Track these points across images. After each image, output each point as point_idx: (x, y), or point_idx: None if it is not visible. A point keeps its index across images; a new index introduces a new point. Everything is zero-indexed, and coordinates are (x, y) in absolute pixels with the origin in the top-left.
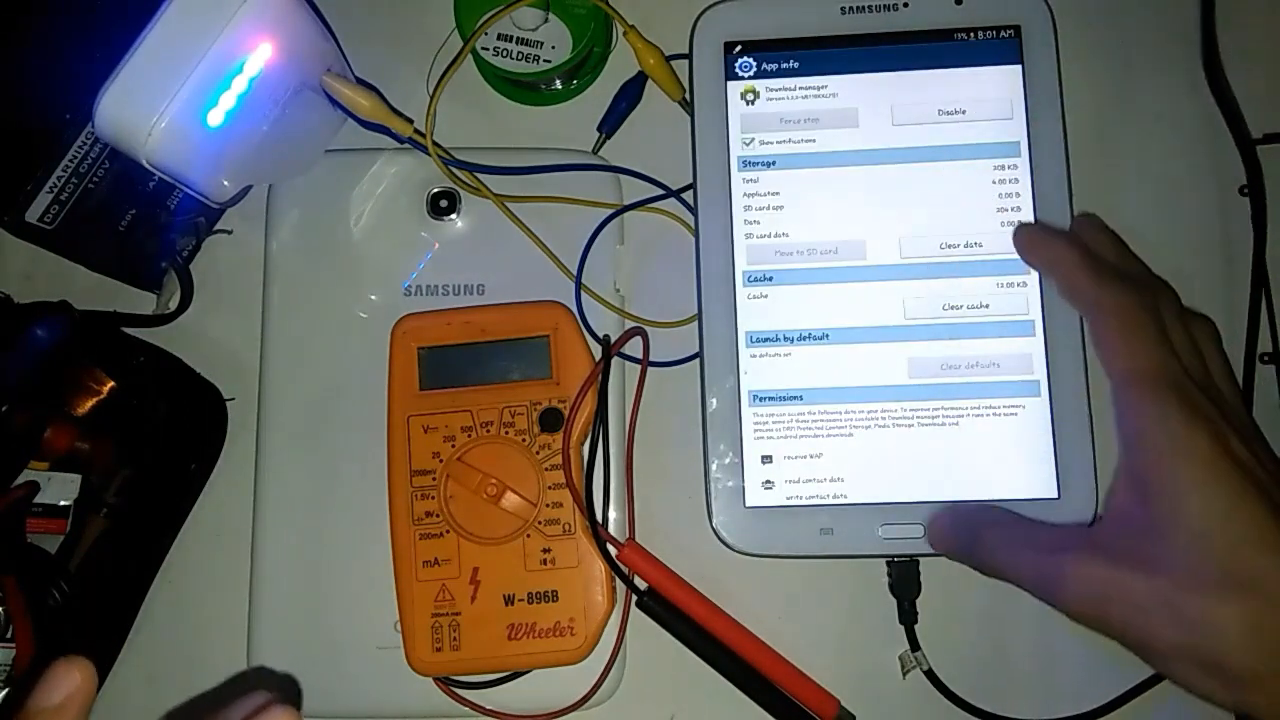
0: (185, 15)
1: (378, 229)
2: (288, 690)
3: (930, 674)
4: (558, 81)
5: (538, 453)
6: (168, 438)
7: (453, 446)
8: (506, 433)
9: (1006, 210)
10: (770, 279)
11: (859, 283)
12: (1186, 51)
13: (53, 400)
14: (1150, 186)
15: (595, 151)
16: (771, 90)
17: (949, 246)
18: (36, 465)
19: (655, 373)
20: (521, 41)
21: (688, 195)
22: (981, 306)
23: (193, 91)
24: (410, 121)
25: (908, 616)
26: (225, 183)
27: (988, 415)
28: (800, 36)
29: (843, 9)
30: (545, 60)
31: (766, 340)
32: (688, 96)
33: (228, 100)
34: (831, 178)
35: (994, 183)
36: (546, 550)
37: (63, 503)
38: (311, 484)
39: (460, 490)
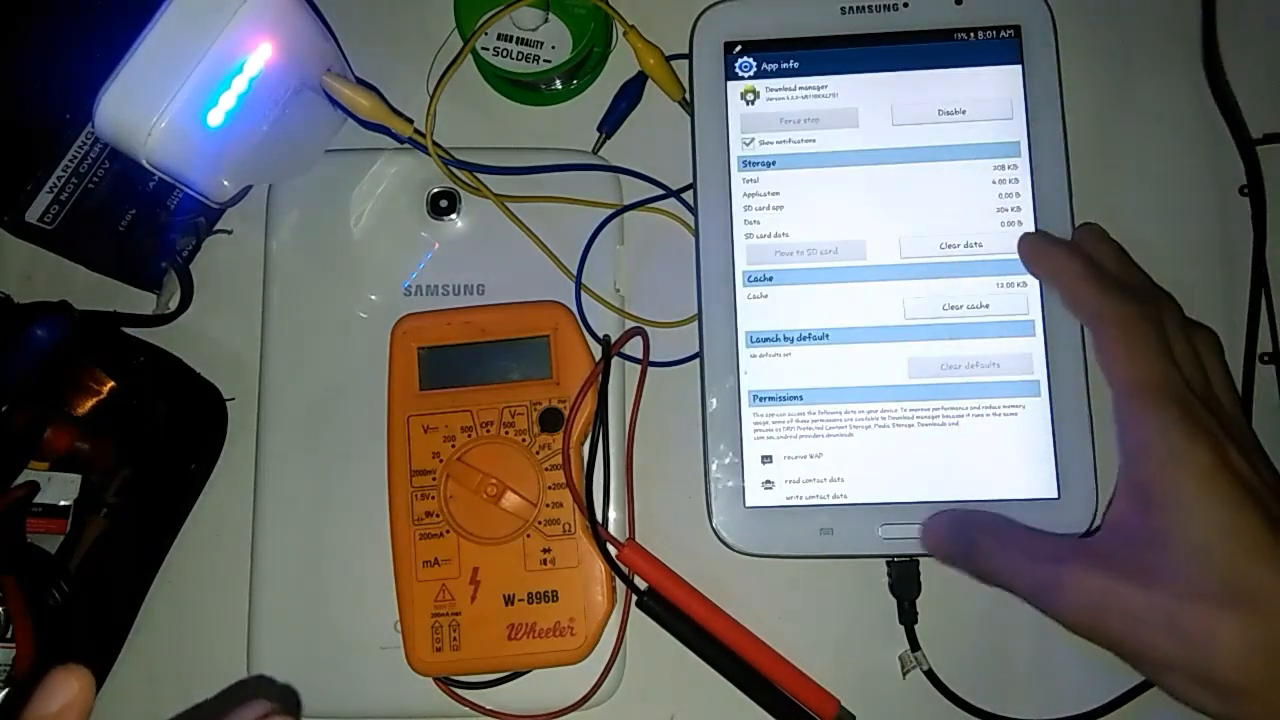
0: (185, 15)
1: (378, 229)
2: (287, 699)
3: (930, 674)
4: (558, 81)
5: (538, 453)
6: (168, 438)
7: (453, 446)
8: (506, 433)
9: (1006, 210)
10: (770, 279)
11: (859, 283)
12: (1187, 51)
13: (53, 400)
14: (1150, 187)
15: (595, 151)
16: (771, 90)
17: (949, 246)
18: (36, 465)
19: (655, 373)
20: (521, 41)
21: (688, 195)
22: (981, 306)
23: (193, 91)
24: (410, 121)
25: (908, 616)
26: (225, 183)
27: (988, 415)
28: (800, 36)
29: (843, 9)
30: (545, 60)
31: (766, 340)
32: (688, 96)
33: (228, 100)
34: (831, 178)
35: (994, 183)
36: (546, 550)
37: (63, 503)
38: (311, 484)
39: (460, 490)
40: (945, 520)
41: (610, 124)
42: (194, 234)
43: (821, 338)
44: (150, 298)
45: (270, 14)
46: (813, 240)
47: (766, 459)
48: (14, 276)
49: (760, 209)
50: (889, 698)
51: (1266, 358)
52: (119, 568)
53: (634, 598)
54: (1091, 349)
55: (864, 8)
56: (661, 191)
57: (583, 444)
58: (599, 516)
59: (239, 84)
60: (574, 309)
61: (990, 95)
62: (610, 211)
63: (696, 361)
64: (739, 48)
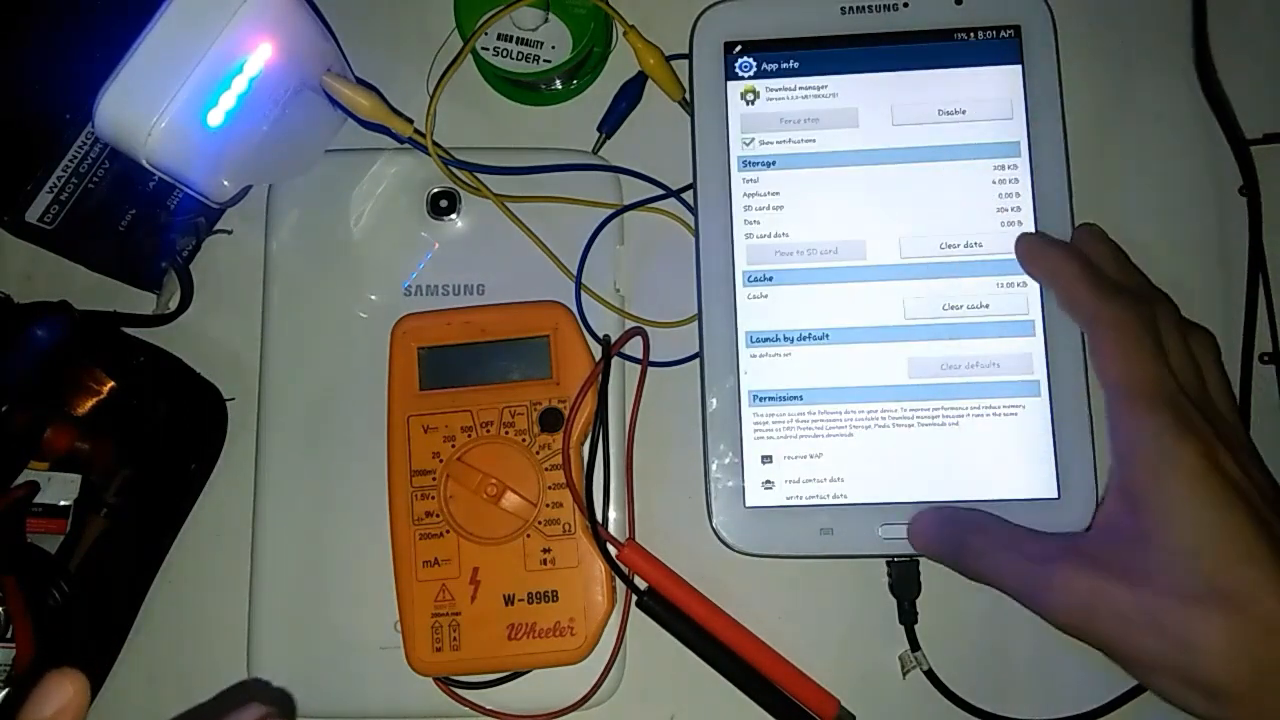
0: (185, 15)
1: (378, 229)
2: (283, 703)
3: (930, 674)
4: (558, 81)
5: (538, 453)
6: (168, 438)
7: (453, 446)
8: (506, 433)
9: (1006, 210)
10: (770, 279)
11: (859, 283)
12: (1186, 52)
13: (53, 400)
14: (1150, 187)
15: (595, 151)
16: (771, 90)
17: (949, 246)
18: (36, 465)
19: (655, 373)
20: (521, 41)
21: (688, 195)
22: (981, 306)
23: (193, 91)
24: (410, 121)
25: (908, 616)
26: (225, 183)
27: (987, 415)
28: (800, 36)
29: (843, 9)
30: (545, 60)
31: (766, 340)
32: (688, 96)
33: (228, 100)
34: (831, 178)
35: (994, 183)
36: (546, 550)
37: (63, 503)
38: (311, 484)
39: (460, 490)
40: (933, 518)
41: (610, 124)
42: (194, 234)
43: (821, 338)
44: (150, 298)
45: (270, 14)
46: (813, 240)
47: (766, 459)
48: (14, 276)
49: (760, 209)
50: (889, 698)
51: (1266, 358)
52: (119, 568)
53: (634, 598)
54: (1087, 352)
55: (864, 8)
56: (661, 191)
57: (583, 444)
58: (599, 516)
59: (239, 84)
60: (574, 309)
61: (990, 95)
62: (610, 211)
63: (696, 361)
64: (739, 48)
